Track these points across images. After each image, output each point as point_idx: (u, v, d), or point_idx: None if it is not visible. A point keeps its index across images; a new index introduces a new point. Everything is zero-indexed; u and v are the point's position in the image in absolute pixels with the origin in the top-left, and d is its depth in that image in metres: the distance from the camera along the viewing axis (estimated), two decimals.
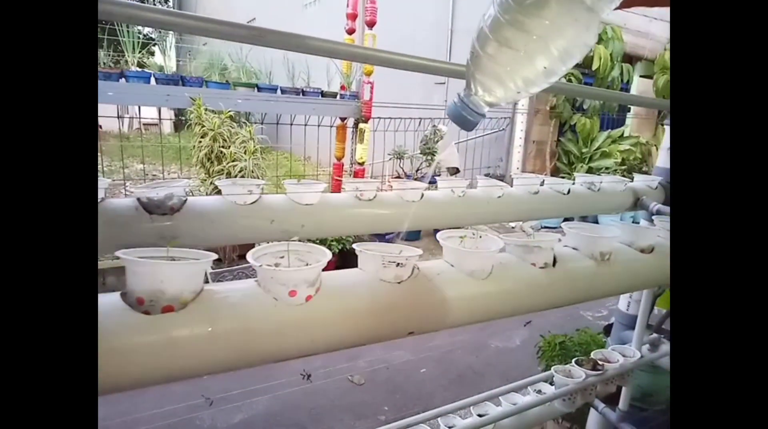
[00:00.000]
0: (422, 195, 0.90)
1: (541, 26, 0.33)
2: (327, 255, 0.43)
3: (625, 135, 5.47)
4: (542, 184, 1.07)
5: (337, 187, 3.56)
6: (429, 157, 4.05)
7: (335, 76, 3.84)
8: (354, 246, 0.48)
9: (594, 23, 0.34)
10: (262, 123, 3.23)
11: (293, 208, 0.75)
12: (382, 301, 0.45)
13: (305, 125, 3.32)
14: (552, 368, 1.16)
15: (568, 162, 5.43)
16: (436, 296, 0.49)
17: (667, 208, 1.20)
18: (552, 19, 0.33)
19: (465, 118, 0.39)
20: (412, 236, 3.85)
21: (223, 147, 2.63)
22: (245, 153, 2.57)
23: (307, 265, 0.44)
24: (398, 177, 4.48)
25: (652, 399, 1.75)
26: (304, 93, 3.29)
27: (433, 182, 1.02)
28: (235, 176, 2.53)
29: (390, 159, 4.13)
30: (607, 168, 5.10)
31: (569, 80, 4.94)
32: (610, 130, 5.36)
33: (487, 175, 5.07)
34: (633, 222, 1.01)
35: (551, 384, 1.19)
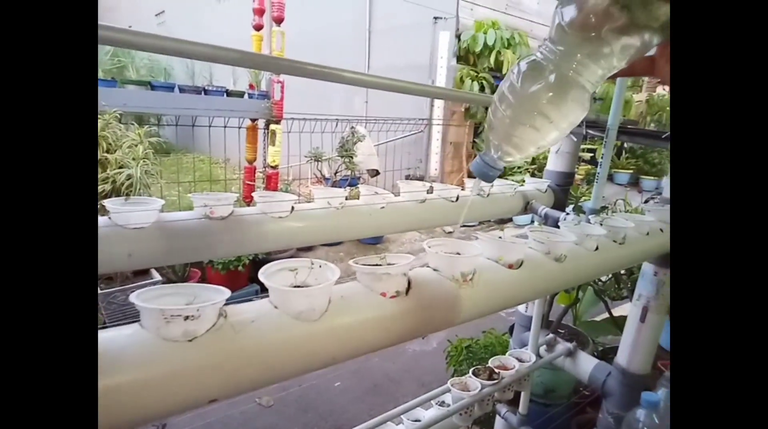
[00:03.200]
0: (292, 209, 0.80)
1: (556, 113, 0.42)
2: None
3: None
4: (430, 191, 1.02)
5: (248, 193, 3.35)
6: (347, 160, 3.96)
7: (242, 75, 3.62)
8: (132, 297, 0.37)
9: (591, 95, 0.43)
10: (158, 124, 2.93)
11: (115, 232, 0.61)
12: (159, 370, 0.35)
13: (209, 126, 3.08)
14: (449, 381, 1.13)
15: None
16: (247, 350, 0.39)
17: (555, 212, 1.21)
18: (565, 110, 0.42)
19: (487, 173, 0.49)
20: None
21: (107, 152, 2.33)
22: (133, 159, 2.29)
23: None
24: (318, 181, 4.35)
25: (554, 394, 1.81)
26: (206, 92, 3.04)
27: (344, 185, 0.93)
28: (122, 184, 2.25)
29: (307, 161, 3.98)
30: (519, 167, 5.37)
31: (481, 84, 5.14)
32: None
33: (407, 176, 5.10)
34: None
35: None
